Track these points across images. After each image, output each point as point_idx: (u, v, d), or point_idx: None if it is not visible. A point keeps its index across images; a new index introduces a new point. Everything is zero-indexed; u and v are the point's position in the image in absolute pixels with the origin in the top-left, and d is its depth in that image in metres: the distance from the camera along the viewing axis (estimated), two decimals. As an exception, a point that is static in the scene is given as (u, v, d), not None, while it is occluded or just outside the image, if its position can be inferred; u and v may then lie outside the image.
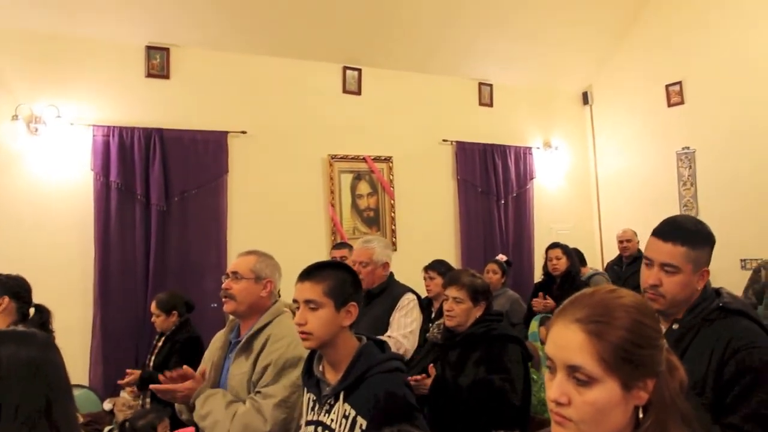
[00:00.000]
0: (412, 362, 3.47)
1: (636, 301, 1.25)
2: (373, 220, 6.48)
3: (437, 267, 4.83)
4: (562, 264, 5.53)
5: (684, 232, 2.05)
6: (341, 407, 2.05)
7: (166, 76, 5.56)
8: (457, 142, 7.01)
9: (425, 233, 6.72)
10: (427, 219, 6.80)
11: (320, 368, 2.19)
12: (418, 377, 3.04)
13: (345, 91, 6.48)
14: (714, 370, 1.95)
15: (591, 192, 8.23)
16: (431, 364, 3.09)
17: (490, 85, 7.44)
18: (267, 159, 5.96)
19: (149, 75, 5.50)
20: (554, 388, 1.19)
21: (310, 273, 2.15)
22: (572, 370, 1.18)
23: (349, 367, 2.08)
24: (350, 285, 2.18)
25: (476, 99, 7.37)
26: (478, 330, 3.08)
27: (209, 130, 5.67)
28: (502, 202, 7.21)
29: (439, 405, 3.06)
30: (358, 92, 6.52)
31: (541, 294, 5.26)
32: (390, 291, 3.85)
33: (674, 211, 7.09)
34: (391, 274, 3.97)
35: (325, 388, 2.13)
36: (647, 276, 2.08)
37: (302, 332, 2.11)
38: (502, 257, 5.78)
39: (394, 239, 6.53)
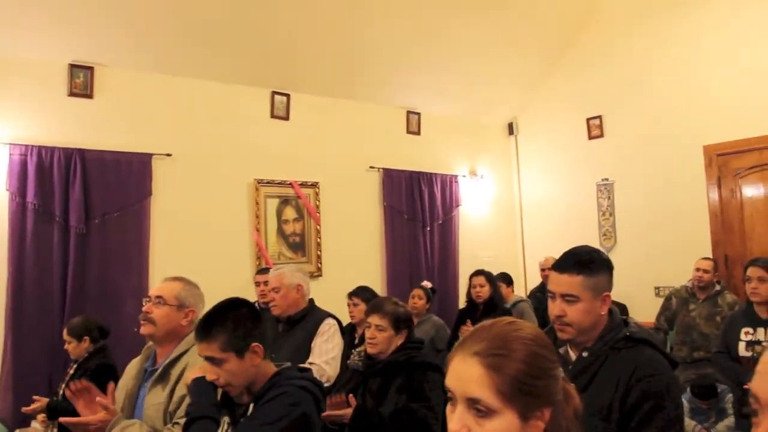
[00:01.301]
0: (334, 389, 3.47)
1: (533, 333, 1.29)
2: (299, 245, 6.46)
3: (361, 293, 4.85)
4: (485, 291, 5.64)
5: (578, 261, 2.15)
6: None
7: (90, 96, 5.43)
8: (384, 169, 7.08)
9: (351, 259, 6.74)
10: (353, 245, 6.82)
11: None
12: (338, 399, 3.03)
13: (273, 116, 6.47)
14: (620, 396, 2.03)
15: (515, 220, 8.41)
16: (351, 395, 3.08)
17: (418, 114, 7.55)
18: (192, 182, 5.88)
19: (72, 94, 5.35)
20: (455, 420, 1.22)
21: (201, 331, 2.15)
22: (472, 402, 1.20)
23: (264, 386, 2.11)
24: (245, 326, 2.17)
25: (404, 127, 7.47)
26: (400, 357, 3.09)
27: (133, 152, 5.56)
28: (428, 228, 7.29)
29: (359, 433, 3.06)
30: (286, 117, 6.52)
31: (469, 321, 5.33)
32: (311, 317, 3.85)
33: (594, 239, 7.35)
34: (312, 300, 3.98)
35: (240, 409, 2.14)
36: (551, 308, 2.17)
37: (223, 387, 2.12)
38: (427, 284, 5.84)
39: (319, 265, 6.52)
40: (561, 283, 2.16)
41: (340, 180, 6.79)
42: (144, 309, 2.67)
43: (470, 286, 5.79)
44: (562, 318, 2.14)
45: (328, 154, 6.75)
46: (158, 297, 2.66)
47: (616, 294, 6.52)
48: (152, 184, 5.63)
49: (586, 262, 2.15)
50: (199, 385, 2.16)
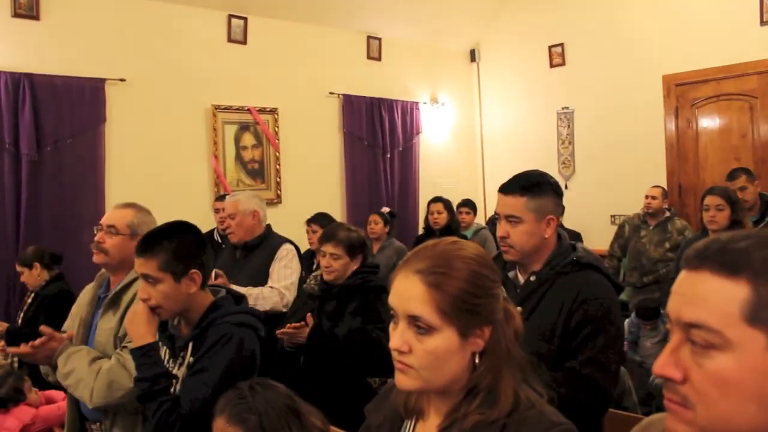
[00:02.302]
0: (289, 312, 3.53)
1: (475, 252, 1.31)
2: (258, 172, 6.41)
3: (319, 220, 4.87)
4: (442, 218, 5.70)
5: (522, 184, 2.19)
6: (190, 359, 2.07)
7: (36, 17, 5.20)
8: (344, 95, 6.99)
9: (311, 186, 6.71)
10: (313, 172, 6.79)
11: (175, 322, 2.19)
12: (297, 325, 3.09)
13: (230, 39, 6.30)
14: (563, 318, 2.10)
15: (476, 148, 8.44)
16: (309, 314, 3.13)
17: (379, 39, 7.43)
18: (147, 108, 5.74)
19: (16, 15, 5.11)
20: (396, 337, 1.25)
21: (142, 246, 2.10)
22: (413, 319, 1.23)
23: (200, 320, 2.10)
24: (189, 249, 2.14)
25: (364, 52, 7.35)
26: (355, 282, 3.14)
27: (85, 77, 5.38)
28: (388, 155, 7.28)
29: (315, 354, 3.12)
30: (244, 42, 6.36)
31: None
32: (268, 242, 3.87)
33: (554, 167, 7.42)
34: (269, 225, 3.99)
35: (179, 341, 2.14)
36: (498, 230, 2.21)
37: (151, 307, 2.08)
38: (386, 209, 5.86)
39: (279, 192, 6.49)
40: (505, 204, 2.20)
41: (299, 106, 6.70)
42: (96, 239, 2.63)
43: (428, 213, 5.85)
44: (505, 239, 2.18)
45: (287, 80, 6.64)
46: (110, 226, 2.61)
47: (573, 222, 6.71)
48: (106, 110, 5.48)
49: (531, 185, 2.19)
50: (143, 354, 2.06)
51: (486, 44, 8.33)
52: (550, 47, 7.59)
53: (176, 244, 2.11)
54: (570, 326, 2.08)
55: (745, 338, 0.84)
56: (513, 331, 1.33)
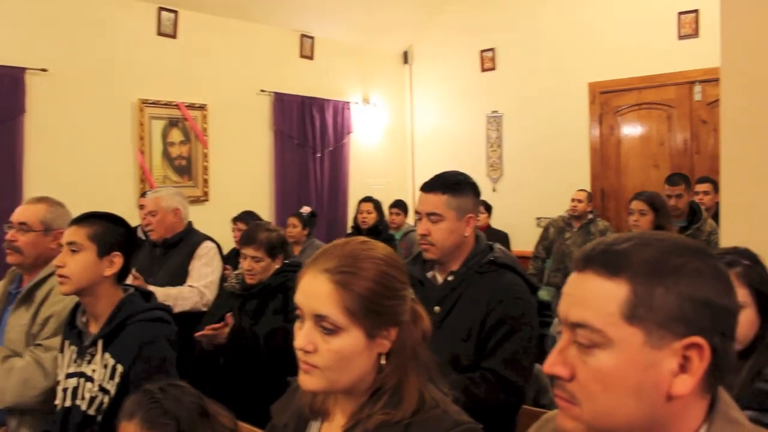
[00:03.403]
0: (211, 311, 3.48)
1: (385, 253, 1.31)
2: (185, 169, 6.30)
3: (246, 218, 4.83)
4: (371, 218, 5.73)
5: (444, 182, 2.24)
6: (101, 356, 2.03)
7: (-49, 3, 5.02)
8: (275, 93, 6.94)
9: (239, 184, 6.63)
10: (242, 170, 6.71)
11: (83, 319, 2.15)
12: (217, 326, 3.05)
13: (160, 33, 6.17)
14: (480, 318, 2.14)
15: (406, 149, 8.49)
16: (229, 313, 3.10)
17: (312, 38, 7.40)
18: (71, 100, 5.56)
19: (-70, -1, 4.93)
20: (301, 336, 1.24)
21: (79, 218, 2.12)
22: (319, 319, 1.23)
23: (110, 317, 2.06)
24: (119, 236, 2.14)
25: (297, 51, 7.31)
26: (276, 281, 3.12)
27: (3, 65, 5.18)
28: (319, 155, 7.25)
29: (236, 353, 3.09)
30: (174, 35, 6.24)
31: None
32: (188, 240, 3.81)
33: (482, 170, 7.55)
34: (190, 223, 3.93)
35: (87, 339, 2.10)
36: (418, 227, 2.24)
37: (59, 275, 2.05)
38: (305, 209, 5.83)
39: (206, 189, 6.39)
40: (427, 202, 2.23)
41: (229, 103, 6.61)
42: (7, 237, 2.54)
43: (357, 212, 5.88)
44: (426, 237, 2.22)
45: (217, 76, 6.54)
46: (21, 223, 2.53)
47: (500, 223, 6.81)
48: (26, 101, 5.29)
49: (452, 184, 2.24)
50: None
51: (419, 47, 8.39)
52: (481, 52, 7.71)
53: (111, 226, 2.14)
54: (486, 326, 2.13)
55: (624, 335, 0.89)
56: (421, 332, 1.33)
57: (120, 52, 5.85)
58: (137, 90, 5.96)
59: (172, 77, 6.19)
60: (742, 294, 1.78)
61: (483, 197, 6.62)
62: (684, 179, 4.76)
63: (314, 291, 1.24)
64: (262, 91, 6.88)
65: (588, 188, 6.50)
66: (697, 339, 0.88)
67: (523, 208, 7.16)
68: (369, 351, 1.26)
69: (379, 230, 5.63)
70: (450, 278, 2.25)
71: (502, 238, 6.41)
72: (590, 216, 5.78)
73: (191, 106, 6.31)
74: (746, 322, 1.78)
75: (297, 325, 1.27)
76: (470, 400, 2.04)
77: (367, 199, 5.94)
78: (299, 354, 1.24)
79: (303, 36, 7.31)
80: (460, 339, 2.14)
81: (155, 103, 6.06)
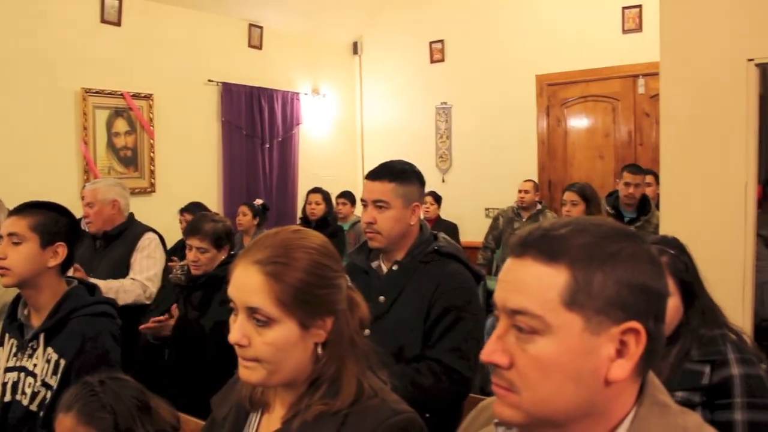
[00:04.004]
0: (153, 303, 3.43)
1: (318, 242, 1.30)
2: (131, 159, 6.18)
3: (192, 209, 4.77)
4: (320, 209, 5.72)
5: (390, 170, 2.25)
6: (43, 351, 1.99)
7: None
8: (223, 83, 6.85)
9: (187, 175, 6.53)
10: (189, 160, 6.60)
11: (25, 312, 2.10)
12: (161, 318, 3.00)
13: (103, 20, 6.00)
14: (425, 307, 2.15)
15: (356, 140, 8.48)
16: (174, 305, 3.06)
17: (261, 28, 7.31)
18: (10, 88, 5.36)
19: None
20: (235, 330, 1.22)
21: (18, 208, 2.06)
22: (251, 311, 1.21)
23: (53, 310, 2.02)
24: (63, 226, 2.09)
25: (245, 41, 7.21)
26: (222, 272, 3.08)
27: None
28: (267, 146, 7.19)
29: (182, 346, 3.05)
30: (118, 23, 6.09)
31: None
32: (129, 232, 3.73)
33: (431, 161, 7.59)
34: (131, 215, 3.85)
35: (28, 333, 2.05)
36: (364, 216, 2.24)
37: (0, 267, 1.99)
38: (258, 201, 5.80)
39: (153, 180, 6.28)
40: (373, 190, 2.23)
41: (176, 93, 6.49)
42: None
43: (306, 203, 5.85)
44: (372, 225, 2.21)
45: (163, 65, 6.41)
46: None
47: (449, 214, 6.87)
48: (-39, 89, 5.13)
49: (398, 172, 2.24)
50: None
51: (368, 37, 8.38)
52: (430, 43, 7.74)
53: (54, 216, 2.09)
54: (431, 315, 2.14)
55: (563, 322, 0.88)
56: (358, 320, 1.32)
57: (62, 39, 5.68)
58: (80, 79, 5.80)
59: (116, 66, 6.05)
60: (668, 283, 1.83)
61: (432, 188, 6.78)
62: (645, 172, 4.86)
63: (245, 283, 1.23)
64: (210, 81, 6.78)
65: (536, 179, 6.59)
66: (634, 324, 0.89)
67: (473, 199, 7.23)
68: (304, 342, 1.24)
69: (327, 221, 5.62)
70: (394, 268, 2.26)
71: (452, 228, 6.46)
72: (539, 206, 5.87)
73: (137, 96, 6.19)
74: (672, 309, 1.84)
75: (231, 318, 1.25)
76: (416, 390, 2.05)
77: (316, 191, 5.92)
78: (236, 348, 1.23)
79: (251, 25, 7.22)
80: (405, 328, 2.15)
81: (99, 93, 5.92)
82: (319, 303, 1.25)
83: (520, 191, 5.89)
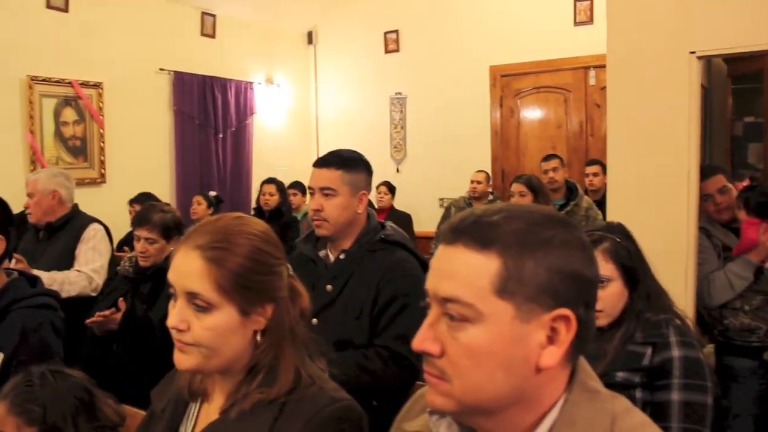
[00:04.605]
0: (101, 295, 3.38)
1: (260, 229, 1.30)
2: (80, 149, 6.05)
3: (142, 200, 4.71)
4: (274, 200, 5.69)
5: (338, 158, 2.25)
6: None
7: None
8: (175, 72, 6.75)
9: (138, 165, 6.42)
10: (141, 150, 6.50)
11: None
12: (107, 312, 2.96)
13: (50, 6, 5.85)
14: (372, 296, 2.16)
15: (311, 130, 8.45)
16: (121, 298, 3.02)
17: (213, 16, 7.22)
18: (-49, 76, 5.26)
19: None
20: (173, 315, 1.22)
21: None
22: (191, 296, 1.21)
23: None
24: None
25: (198, 29, 7.12)
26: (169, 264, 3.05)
27: None
28: (221, 136, 7.12)
29: (130, 339, 3.01)
30: (66, 9, 5.94)
31: None
32: (73, 223, 3.66)
33: (386, 151, 7.62)
34: (76, 205, 3.78)
35: None
36: (311, 203, 2.24)
37: None
38: (212, 193, 5.76)
39: (103, 171, 6.17)
40: (321, 177, 2.23)
41: (126, 81, 6.37)
42: None
43: (260, 193, 5.82)
44: (319, 212, 2.21)
45: (113, 53, 6.28)
46: None
47: (404, 204, 6.89)
48: None
49: (346, 160, 2.25)
50: None
51: (323, 27, 8.34)
52: (385, 33, 7.74)
53: None
54: (378, 303, 2.15)
55: (495, 310, 0.87)
56: (299, 309, 1.32)
57: (6, 26, 5.52)
58: (26, 66, 5.66)
59: (63, 53, 5.91)
60: (609, 269, 1.87)
61: (387, 178, 6.79)
62: (558, 157, 5.07)
63: (186, 268, 1.22)
64: (161, 69, 6.67)
65: (489, 169, 6.66)
66: (565, 311, 0.89)
67: (427, 189, 7.26)
68: (244, 328, 1.24)
69: (282, 212, 5.59)
70: (342, 256, 2.26)
71: (406, 218, 6.48)
72: (490, 197, 5.92)
73: (85, 84, 6.06)
74: (615, 294, 1.88)
75: (171, 303, 1.25)
76: (364, 373, 2.07)
77: (270, 181, 5.88)
78: (173, 333, 1.22)
79: (204, 14, 7.13)
80: (353, 317, 2.16)
81: (46, 81, 5.78)
82: (260, 289, 1.25)
83: (472, 181, 5.94)
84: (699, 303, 3.27)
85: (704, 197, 3.22)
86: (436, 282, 0.93)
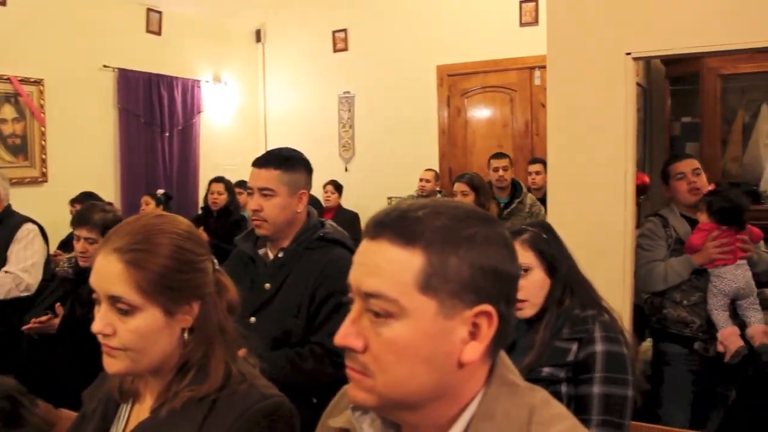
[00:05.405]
0: (39, 297, 3.32)
1: (180, 227, 1.28)
2: (20, 148, 5.90)
3: (84, 199, 4.61)
4: (222, 199, 5.65)
5: (276, 157, 2.25)
6: None
7: None
8: (119, 69, 6.63)
9: (81, 164, 6.28)
10: (84, 149, 6.36)
11: None
12: (43, 319, 2.90)
13: (-13, 0, 5.73)
14: (309, 293, 2.16)
15: (259, 129, 8.39)
16: (59, 303, 2.96)
17: (159, 13, 7.12)
18: None
19: None
20: (98, 320, 1.21)
21: None
22: (113, 300, 1.19)
23: None
24: None
25: (143, 25, 7.00)
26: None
27: None
28: (167, 134, 7.03)
29: (70, 342, 2.96)
30: (3, 2, 5.78)
31: (202, 228, 5.32)
32: (6, 223, 3.58)
33: (335, 150, 7.63)
34: (9, 206, 3.69)
35: None
36: (250, 204, 2.24)
37: None
38: (160, 191, 5.69)
39: (44, 170, 6.02)
40: (260, 177, 2.22)
41: (69, 78, 6.23)
42: None
43: (208, 192, 5.77)
44: (259, 212, 2.21)
45: (55, 49, 6.13)
46: None
47: (352, 203, 6.90)
48: None
49: (284, 159, 2.24)
50: None
51: (272, 25, 8.29)
52: (333, 32, 7.74)
53: None
54: (315, 301, 2.16)
55: (418, 306, 0.88)
56: (226, 304, 1.32)
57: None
58: (-38, 62, 5.51)
59: (2, 48, 5.75)
60: (529, 257, 1.93)
61: (336, 177, 6.79)
62: (507, 156, 5.13)
63: (106, 272, 1.21)
64: (105, 66, 6.55)
65: (437, 168, 6.71)
66: (487, 307, 0.90)
67: (375, 188, 7.28)
68: (170, 328, 1.23)
69: (230, 211, 5.56)
70: (280, 255, 2.26)
71: (353, 217, 6.49)
72: (438, 195, 5.98)
73: (25, 81, 5.91)
74: (537, 283, 1.93)
75: (96, 308, 1.23)
76: (297, 373, 2.07)
77: (218, 180, 5.84)
78: (99, 338, 1.21)
79: (150, 10, 7.03)
80: (291, 315, 2.16)
81: (-17, 77, 5.63)
82: (184, 288, 1.24)
83: (421, 180, 5.99)
84: (637, 297, 3.38)
85: (677, 175, 3.31)
86: (359, 277, 0.94)
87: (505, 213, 4.65)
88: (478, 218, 0.94)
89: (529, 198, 4.82)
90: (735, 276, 3.06)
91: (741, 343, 2.98)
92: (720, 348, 3.04)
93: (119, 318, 1.20)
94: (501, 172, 4.88)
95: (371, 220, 0.96)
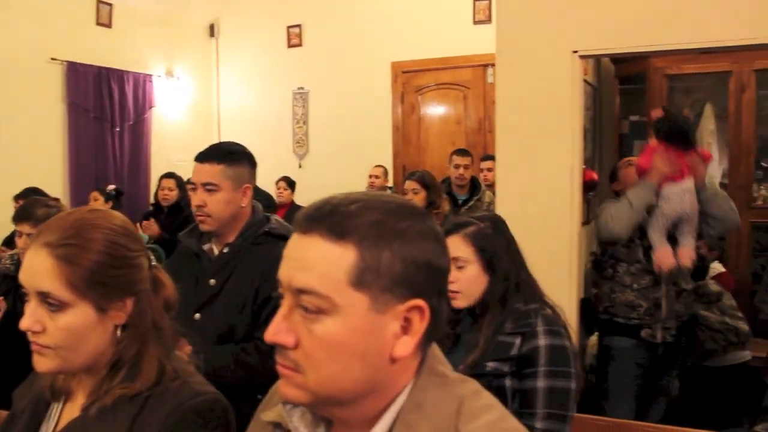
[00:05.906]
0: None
1: (115, 221, 1.26)
2: (-38, 142, 5.76)
3: (28, 195, 4.51)
4: (173, 195, 5.59)
5: (219, 152, 2.22)
6: None
7: None
8: (68, 62, 6.51)
9: (27, 160, 6.13)
10: (30, 144, 6.22)
11: None
12: None
13: (-72, -11, 5.57)
14: (254, 289, 2.15)
15: (212, 125, 8.32)
16: (2, 297, 2.90)
17: (110, 5, 7.00)
18: None
19: None
20: (26, 316, 1.17)
21: None
22: (43, 296, 1.17)
23: None
24: None
25: (93, 17, 6.88)
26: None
27: None
28: (118, 129, 6.93)
29: (11, 339, 2.90)
30: (-54, -6, 5.66)
31: (152, 219, 5.26)
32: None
33: (288, 146, 7.60)
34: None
35: None
36: (193, 199, 2.21)
37: None
38: (111, 187, 5.60)
39: (-11, 164, 5.90)
40: (202, 172, 2.20)
41: (14, 72, 6.08)
42: None
43: (159, 188, 5.70)
44: (202, 208, 2.18)
45: (0, 41, 6.00)
46: None
47: (305, 199, 6.85)
48: None
49: (227, 153, 2.22)
50: None
51: (226, 20, 8.22)
52: (288, 27, 7.71)
53: None
54: (260, 296, 2.14)
55: (350, 302, 0.87)
56: (162, 300, 1.30)
57: None
58: None
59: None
60: (468, 252, 1.93)
61: (289, 173, 6.76)
62: (470, 154, 5.15)
63: (35, 267, 1.17)
64: (53, 59, 6.42)
65: (390, 165, 6.73)
66: (419, 301, 0.90)
67: (329, 184, 7.15)
68: (103, 324, 1.21)
69: (181, 207, 5.49)
70: (225, 250, 2.23)
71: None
72: (388, 191, 5.99)
73: (-32, 74, 5.76)
74: (472, 277, 1.93)
75: (26, 305, 1.20)
76: (241, 368, 2.06)
77: (169, 176, 5.76)
78: (28, 335, 1.18)
79: (100, 2, 6.91)
80: (236, 310, 2.14)
81: (-75, 70, 5.47)
82: (117, 284, 1.21)
83: (370, 176, 6.03)
84: (586, 290, 3.45)
85: (626, 163, 3.58)
86: (290, 272, 0.91)
87: (464, 210, 4.68)
88: (411, 212, 0.93)
89: (488, 196, 4.85)
90: (681, 200, 3.15)
91: (673, 261, 3.14)
92: (655, 268, 3.18)
93: (49, 315, 1.17)
94: (462, 170, 4.89)
95: (301, 214, 0.94)
